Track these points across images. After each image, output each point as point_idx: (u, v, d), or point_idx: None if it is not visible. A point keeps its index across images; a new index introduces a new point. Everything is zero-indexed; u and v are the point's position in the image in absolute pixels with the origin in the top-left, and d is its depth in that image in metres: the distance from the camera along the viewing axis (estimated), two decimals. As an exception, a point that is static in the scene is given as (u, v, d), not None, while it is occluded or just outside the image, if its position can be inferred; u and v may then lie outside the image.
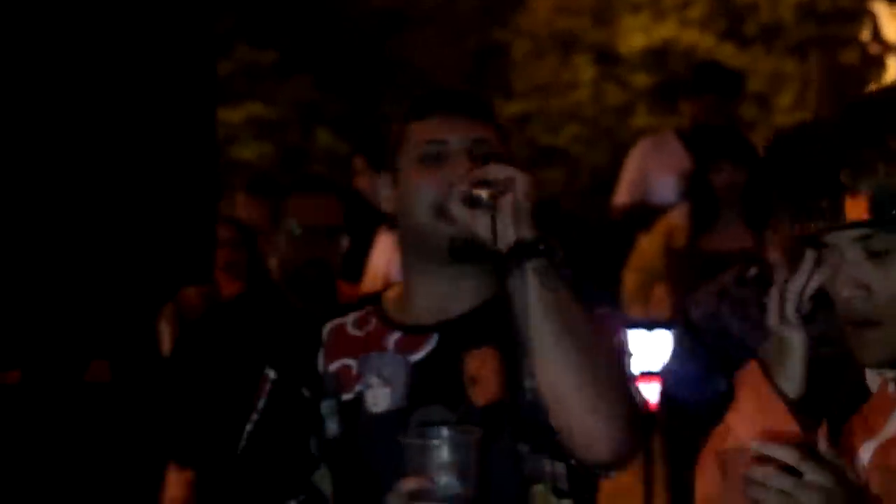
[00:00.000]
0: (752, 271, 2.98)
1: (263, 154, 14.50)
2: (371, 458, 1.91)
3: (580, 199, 14.31)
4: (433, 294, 1.91)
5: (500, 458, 1.79)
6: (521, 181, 1.77)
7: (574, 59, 15.66)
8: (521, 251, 1.75)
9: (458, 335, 1.88)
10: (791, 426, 1.64)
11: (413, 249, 1.92)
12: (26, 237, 4.63)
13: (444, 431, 1.71)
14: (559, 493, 1.85)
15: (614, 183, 5.73)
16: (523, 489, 1.83)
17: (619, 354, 1.88)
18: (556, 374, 1.74)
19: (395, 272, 4.30)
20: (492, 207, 1.74)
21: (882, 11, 7.79)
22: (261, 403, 2.05)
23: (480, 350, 1.86)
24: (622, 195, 5.53)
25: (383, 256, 4.40)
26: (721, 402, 2.95)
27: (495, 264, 1.79)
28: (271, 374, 2.04)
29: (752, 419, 1.67)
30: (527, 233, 1.75)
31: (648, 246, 4.99)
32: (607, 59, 15.63)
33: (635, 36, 15.32)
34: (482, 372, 1.85)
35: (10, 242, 4.61)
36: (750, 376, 1.72)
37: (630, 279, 5.61)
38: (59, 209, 4.87)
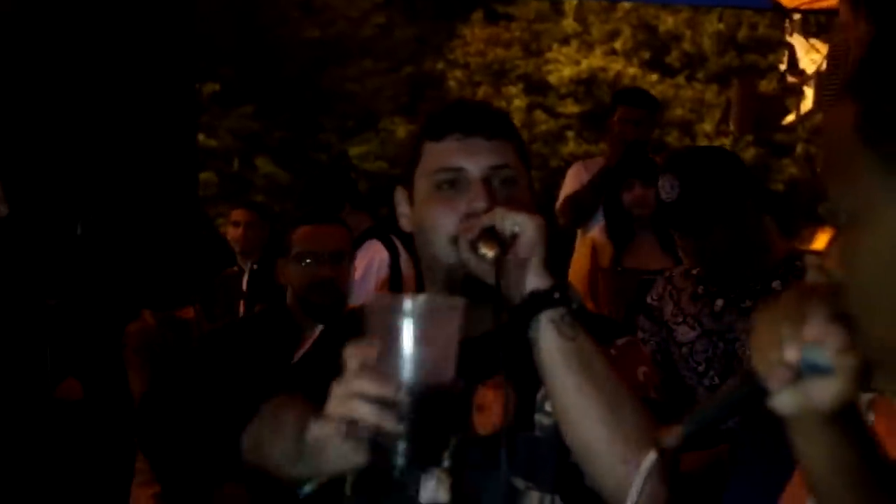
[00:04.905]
0: (698, 270, 3.00)
1: (206, 182, 14.70)
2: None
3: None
4: None
5: (494, 491, 1.67)
6: (530, 230, 1.64)
7: (506, 88, 16.10)
8: (534, 303, 1.64)
9: (470, 360, 1.62)
10: None
11: (429, 271, 1.82)
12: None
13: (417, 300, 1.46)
14: None
15: (546, 207, 5.90)
16: None
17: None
18: (582, 427, 1.64)
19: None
20: (497, 262, 1.62)
21: (798, 43, 8.26)
22: None
23: (491, 378, 1.73)
24: (564, 211, 5.56)
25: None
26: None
27: (500, 304, 1.64)
28: None
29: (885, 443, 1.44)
30: (539, 283, 1.64)
31: (574, 265, 4.93)
32: (537, 88, 16.06)
33: (564, 66, 15.83)
34: (489, 401, 1.74)
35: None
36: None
37: None
38: (42, 235, 5.13)
